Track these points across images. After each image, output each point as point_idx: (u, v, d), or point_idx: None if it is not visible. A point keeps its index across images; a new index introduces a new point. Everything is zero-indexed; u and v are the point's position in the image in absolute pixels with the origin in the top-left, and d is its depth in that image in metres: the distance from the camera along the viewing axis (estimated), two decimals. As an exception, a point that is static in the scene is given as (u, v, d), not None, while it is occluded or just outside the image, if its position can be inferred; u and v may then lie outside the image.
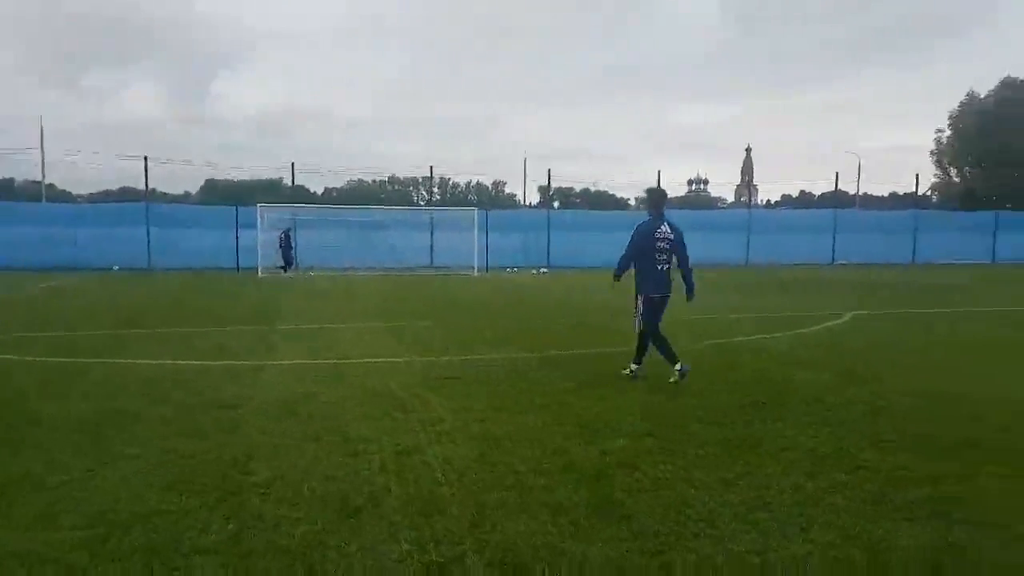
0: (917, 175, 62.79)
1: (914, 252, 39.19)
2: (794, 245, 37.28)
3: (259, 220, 28.49)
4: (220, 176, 77.19)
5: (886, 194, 71.37)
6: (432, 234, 34.04)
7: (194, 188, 79.43)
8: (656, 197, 8.10)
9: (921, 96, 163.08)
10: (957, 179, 64.69)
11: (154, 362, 8.67)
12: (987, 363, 9.21)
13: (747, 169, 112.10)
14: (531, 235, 34.93)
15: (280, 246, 28.55)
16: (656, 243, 7.57)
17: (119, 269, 29.05)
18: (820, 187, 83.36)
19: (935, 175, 66.39)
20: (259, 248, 27.92)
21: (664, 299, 7.69)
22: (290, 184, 37.03)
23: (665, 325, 7.77)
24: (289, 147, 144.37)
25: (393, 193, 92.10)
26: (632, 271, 7.78)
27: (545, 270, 32.21)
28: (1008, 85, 60.25)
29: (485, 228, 32.04)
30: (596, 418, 6.04)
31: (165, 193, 49.83)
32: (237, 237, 29.89)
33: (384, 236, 32.63)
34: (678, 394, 7.00)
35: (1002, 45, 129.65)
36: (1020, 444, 5.37)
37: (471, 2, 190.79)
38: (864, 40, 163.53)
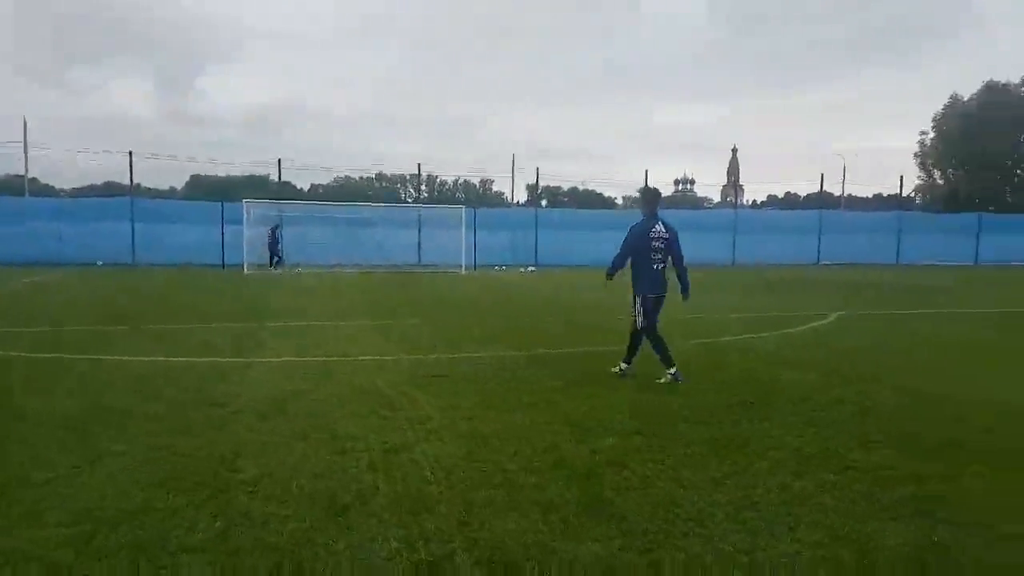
0: (901, 177, 63.65)
1: (898, 253, 39.56)
2: (780, 245, 37.54)
3: (245, 216, 28.31)
4: (206, 172, 76.72)
5: (870, 196, 71.90)
6: (420, 232, 34.00)
7: (179, 183, 78.93)
8: (650, 197, 8.07)
9: (905, 99, 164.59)
10: (941, 181, 65.27)
11: (141, 359, 8.61)
12: (970, 364, 9.30)
13: (733, 170, 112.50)
14: (519, 233, 34.96)
15: (268, 242, 28.39)
16: (651, 242, 7.57)
17: (103, 264, 28.83)
18: (805, 188, 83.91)
19: (919, 177, 67.01)
20: (245, 244, 27.74)
21: (660, 299, 7.70)
22: (276, 180, 36.89)
23: (663, 326, 7.78)
24: (275, 144, 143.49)
25: (381, 190, 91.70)
26: (624, 272, 7.75)
27: (533, 268, 32.25)
28: (991, 89, 60.86)
29: (473, 226, 32.00)
30: (585, 416, 6.05)
31: (150, 188, 49.54)
32: (223, 233, 29.68)
33: (371, 233, 32.56)
34: (666, 393, 7.03)
35: (987, 48, 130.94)
36: (1002, 445, 5.42)
37: (461, 2, 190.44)
38: (850, 42, 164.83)
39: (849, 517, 3.94)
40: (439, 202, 62.10)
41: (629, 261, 7.69)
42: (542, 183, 44.96)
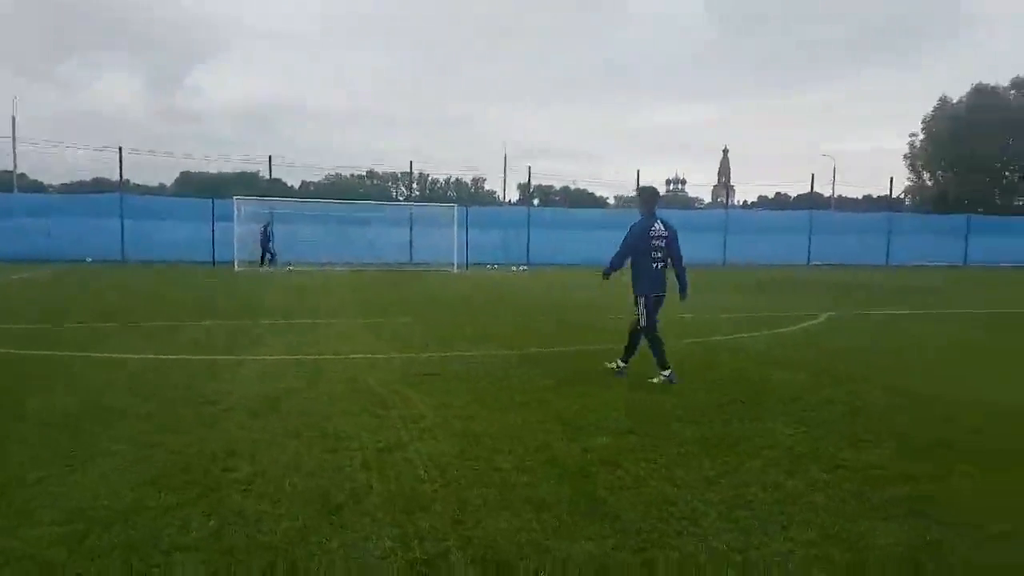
0: (891, 178, 63.83)
1: (888, 254, 39.78)
2: (770, 246, 37.69)
3: (236, 213, 28.18)
4: (195, 168, 76.44)
5: (860, 197, 72.21)
6: (411, 230, 33.94)
7: (169, 180, 78.65)
8: (648, 196, 8.00)
9: (895, 100, 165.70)
10: (930, 183, 65.67)
11: (132, 356, 8.57)
12: (959, 365, 9.37)
13: (724, 170, 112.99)
14: (511, 232, 34.96)
15: (260, 239, 28.26)
16: (651, 242, 7.53)
17: (92, 261, 28.67)
18: (796, 189, 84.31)
19: (908, 179, 67.44)
20: (236, 241, 27.61)
21: (660, 298, 7.67)
22: (267, 177, 36.78)
23: (663, 326, 7.78)
24: (266, 141, 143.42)
25: (372, 188, 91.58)
26: (624, 271, 7.72)
27: (525, 267, 32.26)
28: (980, 91, 61.28)
29: (465, 225, 31.98)
30: (577, 415, 6.06)
31: (139, 185, 49.28)
32: (213, 230, 29.56)
33: (363, 231, 32.51)
34: (658, 392, 7.05)
35: (976, 51, 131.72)
36: (991, 445, 5.46)
37: (456, 2, 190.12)
38: (841, 44, 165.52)
39: (841, 516, 3.96)
40: (431, 200, 62.08)
41: (628, 261, 7.66)
42: (534, 182, 44.94)
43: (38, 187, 55.65)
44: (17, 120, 42.11)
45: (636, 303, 7.68)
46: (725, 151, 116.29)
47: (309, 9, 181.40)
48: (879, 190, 62.67)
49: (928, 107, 65.06)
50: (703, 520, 3.88)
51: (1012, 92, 61.81)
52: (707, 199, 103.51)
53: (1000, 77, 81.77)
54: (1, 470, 4.54)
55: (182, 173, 78.13)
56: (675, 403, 6.57)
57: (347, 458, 4.85)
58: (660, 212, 7.86)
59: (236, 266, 26.76)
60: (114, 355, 8.65)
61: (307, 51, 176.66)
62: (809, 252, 38.78)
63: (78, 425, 5.56)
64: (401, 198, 76.19)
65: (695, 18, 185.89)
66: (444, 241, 30.44)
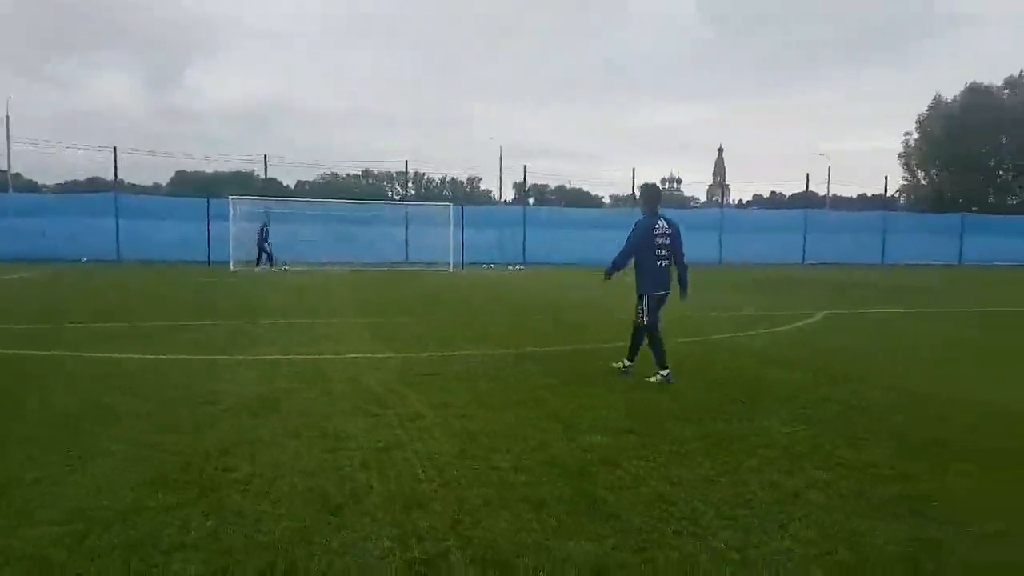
0: (886, 177, 63.73)
1: (883, 253, 39.87)
2: (765, 245, 37.75)
3: (231, 213, 28.12)
4: (190, 168, 76.34)
5: (855, 196, 72.41)
6: (407, 229, 33.91)
7: (164, 180, 78.50)
8: (650, 193, 7.94)
9: (890, 100, 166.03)
10: (925, 182, 65.88)
11: (129, 356, 8.56)
12: (954, 364, 9.41)
13: (719, 169, 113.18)
14: (507, 231, 34.97)
15: (257, 239, 28.13)
16: (655, 239, 7.48)
17: (87, 261, 28.61)
18: (791, 188, 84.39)
19: (903, 178, 67.65)
20: (231, 241, 27.53)
21: (663, 297, 7.62)
22: (263, 177, 36.73)
23: (664, 325, 7.77)
24: (263, 141, 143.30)
25: (367, 187, 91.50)
26: (628, 271, 7.68)
27: (521, 267, 32.27)
28: (974, 90, 61.50)
29: (461, 224, 31.98)
30: (575, 415, 6.07)
31: (134, 184, 49.17)
32: (208, 230, 29.50)
33: (359, 231, 32.48)
34: (656, 391, 7.06)
35: (970, 50, 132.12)
36: (986, 444, 5.48)
37: (451, 2, 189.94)
38: (836, 43, 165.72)
39: (839, 515, 3.98)
40: (426, 200, 62.01)
41: (631, 260, 7.61)
42: (529, 181, 44.90)
43: (32, 187, 55.55)
44: (11, 120, 41.94)
45: (639, 302, 7.64)
46: (720, 150, 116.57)
47: (308, 8, 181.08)
48: (874, 189, 62.95)
49: (923, 106, 65.28)
50: (702, 519, 3.89)
51: (1006, 91, 62.07)
52: (702, 198, 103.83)
53: (994, 76, 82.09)
54: (0, 469, 4.53)
55: (177, 172, 78.00)
56: (673, 402, 6.58)
57: (346, 458, 4.85)
58: (661, 210, 7.83)
59: (232, 266, 26.69)
60: (111, 355, 8.63)
61: (305, 51, 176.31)
62: (804, 251, 38.85)
63: (76, 425, 5.56)
64: (397, 197, 76.08)
65: (690, 18, 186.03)
66: (440, 240, 30.41)
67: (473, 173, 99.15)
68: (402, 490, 4.27)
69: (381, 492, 4.23)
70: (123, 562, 3.32)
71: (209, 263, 28.76)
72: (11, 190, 42.94)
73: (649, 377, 7.45)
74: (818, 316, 13.80)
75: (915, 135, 65.18)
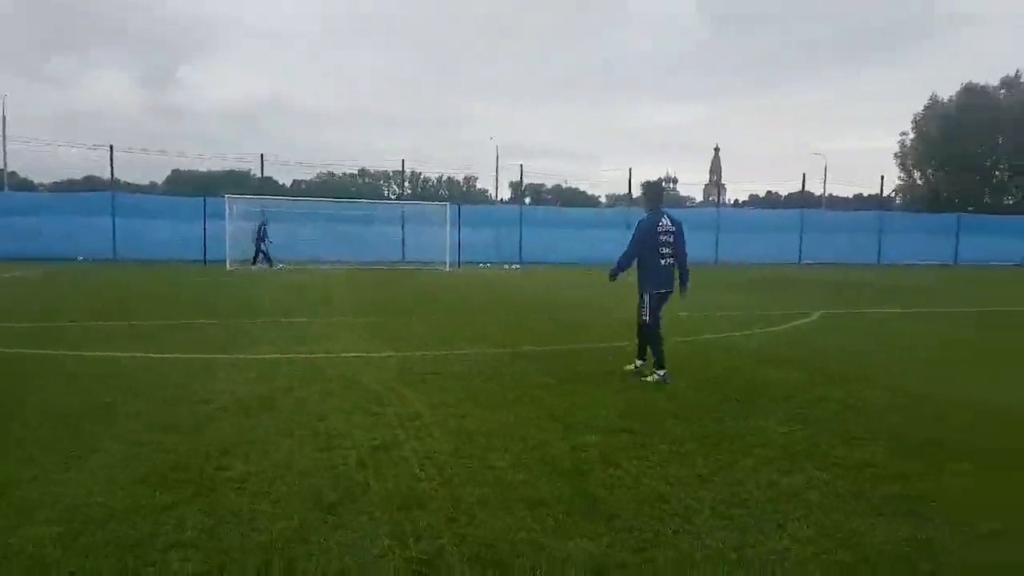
0: (882, 177, 63.95)
1: (879, 253, 39.94)
2: (762, 244, 37.78)
3: (228, 211, 28.05)
4: (186, 167, 76.26)
5: (851, 195, 72.53)
6: (404, 228, 33.88)
7: (159, 178, 78.42)
8: (653, 191, 7.91)
9: (886, 99, 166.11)
10: (921, 182, 65.99)
11: (125, 355, 8.54)
12: (949, 364, 9.42)
13: (715, 168, 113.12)
14: (503, 231, 34.95)
15: (255, 238, 28.06)
16: (659, 237, 7.44)
17: (84, 260, 28.53)
18: (787, 187, 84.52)
19: (899, 178, 67.74)
20: (228, 240, 27.46)
21: (666, 295, 7.58)
22: (259, 176, 36.65)
23: (666, 323, 7.75)
24: (261, 141, 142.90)
25: (364, 186, 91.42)
26: (626, 272, 7.65)
27: (517, 266, 32.25)
28: (970, 90, 61.62)
29: (457, 223, 31.96)
30: (572, 414, 6.07)
31: (130, 183, 49.06)
32: (205, 229, 29.45)
33: (355, 230, 32.44)
34: (652, 391, 7.07)
35: (966, 50, 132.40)
36: (981, 444, 5.49)
37: (447, 2, 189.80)
38: (830, 42, 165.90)
39: (837, 514, 3.98)
40: (422, 199, 62.01)
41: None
42: (525, 181, 44.95)
43: (28, 186, 55.41)
44: (7, 119, 41.85)
45: (642, 301, 7.60)
46: (716, 150, 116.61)
47: (306, 8, 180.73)
48: (870, 189, 62.91)
49: (919, 106, 65.48)
50: (698, 518, 3.90)
51: (1002, 91, 62.19)
52: (698, 198, 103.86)
53: (990, 76, 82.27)
54: (-5, 469, 4.53)
55: (173, 171, 77.98)
56: (669, 401, 6.59)
57: (342, 456, 4.85)
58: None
59: (228, 265, 26.64)
60: (108, 354, 8.61)
61: (304, 50, 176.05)
62: (800, 251, 38.89)
63: (74, 424, 5.54)
64: (393, 196, 76.04)
65: (689, 18, 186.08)
66: (436, 239, 30.38)
67: (469, 172, 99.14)
68: (400, 489, 4.27)
69: (378, 491, 4.23)
70: (118, 560, 3.32)
71: (205, 262, 28.71)
72: (7, 188, 42.81)
73: (646, 376, 7.46)
74: (814, 316, 13.82)
75: (911, 135, 65.32)
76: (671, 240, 7.49)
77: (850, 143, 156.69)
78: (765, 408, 6.37)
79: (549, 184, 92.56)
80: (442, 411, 6.05)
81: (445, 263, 29.71)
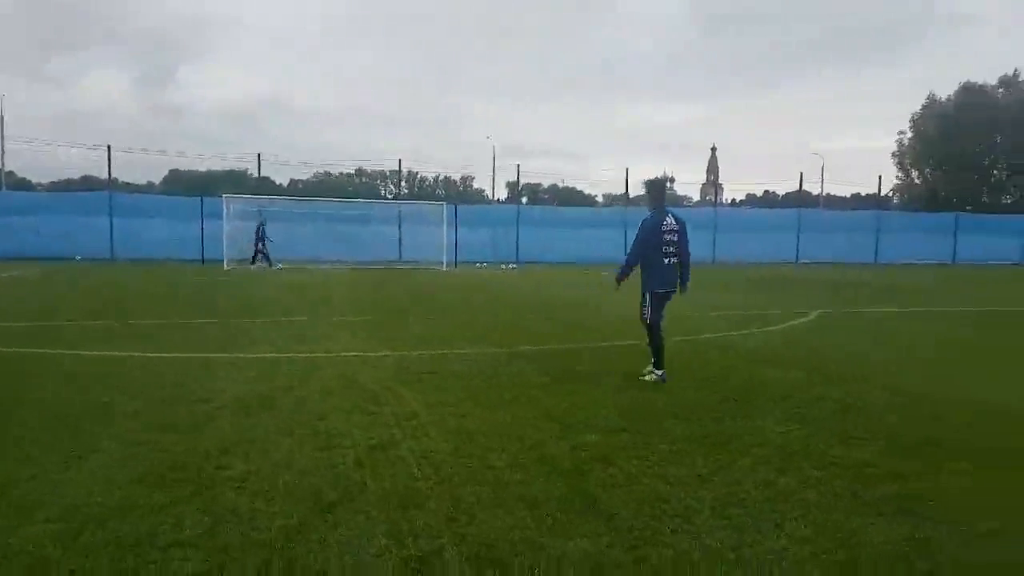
0: (880, 176, 63.84)
1: (876, 252, 39.99)
2: (759, 244, 37.85)
3: (225, 211, 28.04)
4: (185, 166, 76.23)
5: (849, 195, 72.57)
6: (400, 228, 33.89)
7: (157, 178, 78.36)
8: (657, 190, 7.86)
9: (884, 99, 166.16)
10: (919, 181, 66.07)
11: (123, 354, 8.54)
12: (947, 363, 9.44)
13: (712, 168, 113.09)
14: (500, 230, 34.97)
15: (255, 238, 28.01)
16: (663, 236, 7.40)
17: (81, 259, 28.52)
18: (784, 187, 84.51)
19: (897, 177, 67.80)
20: (225, 239, 27.44)
21: (668, 295, 7.54)
22: (256, 175, 36.65)
23: (667, 324, 7.74)
24: (259, 141, 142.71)
25: (361, 186, 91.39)
26: (636, 275, 7.60)
27: (514, 266, 32.26)
28: (968, 90, 61.71)
29: (454, 223, 31.97)
30: (569, 413, 6.08)
31: (128, 183, 49.05)
32: (202, 228, 29.43)
33: (352, 229, 32.45)
34: (649, 390, 7.07)
35: (964, 49, 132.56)
36: (979, 444, 5.50)
37: (444, 2, 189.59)
38: (827, 42, 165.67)
39: (834, 513, 3.99)
40: (419, 198, 61.99)
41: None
42: (522, 180, 44.97)
43: (26, 185, 55.35)
44: (7, 118, 41.79)
45: (643, 300, 7.55)
46: (713, 149, 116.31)
47: (306, 8, 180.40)
48: (868, 188, 62.93)
49: (917, 105, 65.53)
50: (696, 517, 3.90)
51: (1000, 90, 62.32)
52: (696, 197, 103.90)
53: (988, 76, 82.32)
54: (-7, 468, 4.53)
55: (170, 171, 77.97)
56: (666, 401, 6.59)
57: (340, 456, 4.85)
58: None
59: (226, 264, 26.63)
60: (106, 353, 8.61)
61: (303, 50, 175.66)
62: (798, 250, 38.95)
63: (71, 423, 5.55)
64: (390, 196, 76.04)
65: (687, 18, 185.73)
66: (433, 239, 30.39)
67: (466, 172, 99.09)
68: (397, 488, 4.27)
69: (376, 490, 4.24)
70: (117, 559, 3.32)
71: (203, 261, 28.71)
72: (5, 188, 42.76)
73: (644, 375, 7.46)
74: (812, 315, 13.84)
75: (909, 134, 65.39)
76: (675, 239, 7.45)
77: (848, 143, 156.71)
78: (763, 408, 6.38)
79: (546, 184, 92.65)
80: (439, 411, 6.06)
81: (442, 263, 29.70)
